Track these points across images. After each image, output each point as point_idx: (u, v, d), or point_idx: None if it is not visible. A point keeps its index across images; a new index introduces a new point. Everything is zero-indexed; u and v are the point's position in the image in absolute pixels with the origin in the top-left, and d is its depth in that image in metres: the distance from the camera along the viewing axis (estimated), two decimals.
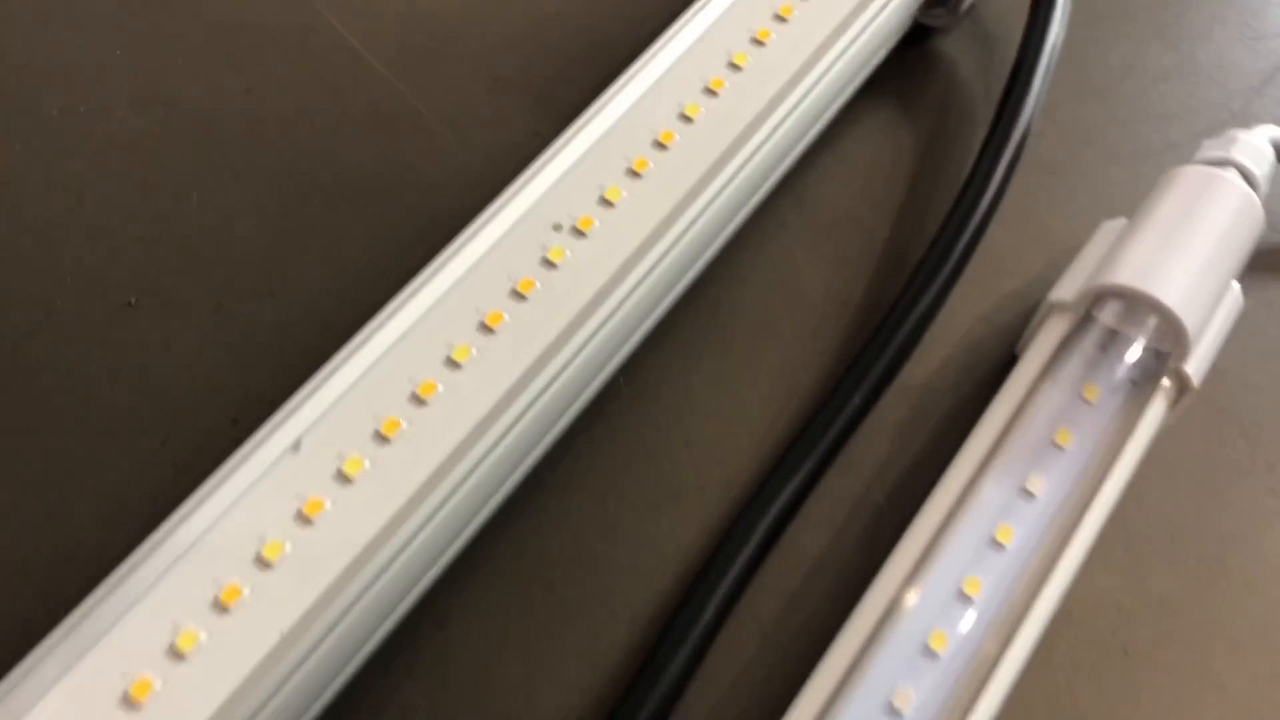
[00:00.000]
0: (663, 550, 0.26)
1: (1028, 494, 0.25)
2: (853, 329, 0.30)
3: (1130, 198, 0.32)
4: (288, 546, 0.22)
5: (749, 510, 0.26)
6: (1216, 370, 0.30)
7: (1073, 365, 0.27)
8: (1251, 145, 0.29)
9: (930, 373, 0.29)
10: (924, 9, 0.34)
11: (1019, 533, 0.24)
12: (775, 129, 0.29)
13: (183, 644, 0.21)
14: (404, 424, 0.24)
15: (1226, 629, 0.26)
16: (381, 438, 0.24)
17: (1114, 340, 0.27)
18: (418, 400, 0.24)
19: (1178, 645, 0.26)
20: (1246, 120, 0.35)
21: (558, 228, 0.27)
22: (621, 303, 0.26)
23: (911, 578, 0.24)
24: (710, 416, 0.28)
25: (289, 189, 0.30)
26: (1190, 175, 0.28)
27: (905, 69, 0.34)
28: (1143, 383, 0.26)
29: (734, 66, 0.30)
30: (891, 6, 0.31)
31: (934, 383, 0.29)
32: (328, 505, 0.23)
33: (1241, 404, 0.29)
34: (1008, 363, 0.29)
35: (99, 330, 0.28)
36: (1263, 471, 0.28)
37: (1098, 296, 0.27)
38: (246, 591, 0.22)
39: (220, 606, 0.21)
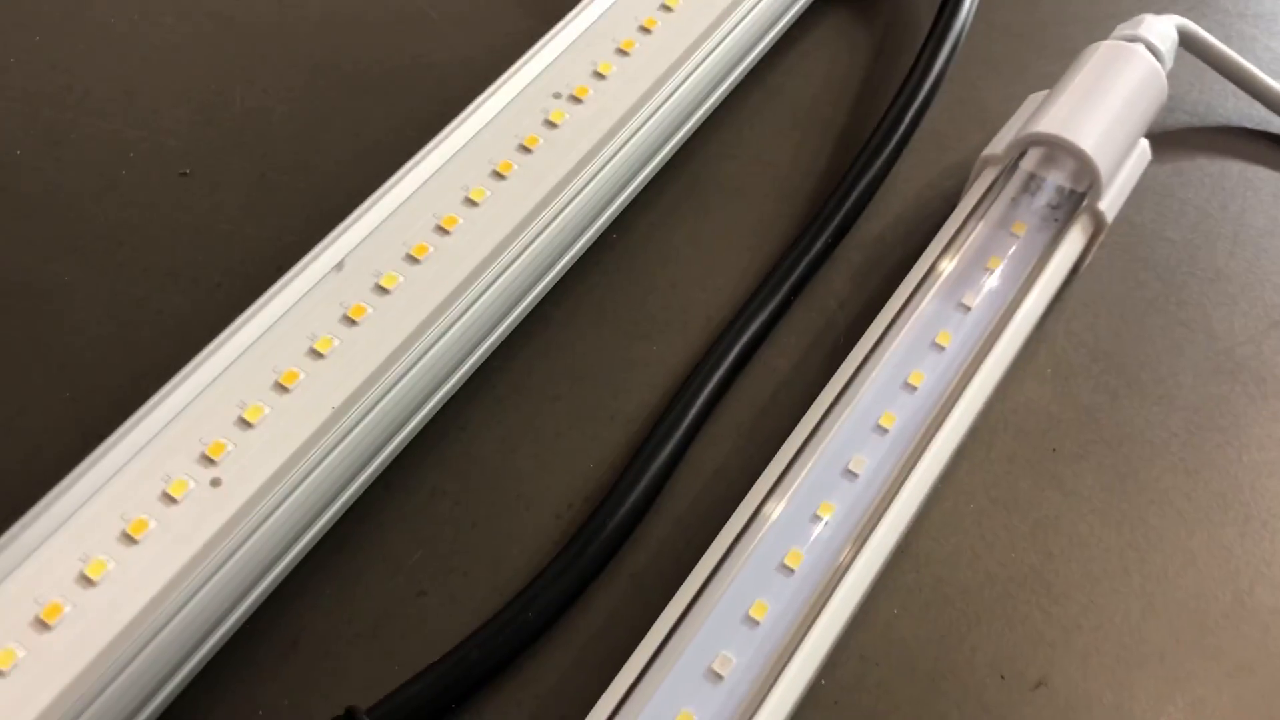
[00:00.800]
0: (653, 369, 0.30)
1: (963, 307, 0.29)
2: (814, 194, 0.34)
3: (1056, 83, 0.37)
4: (336, 342, 0.26)
5: (726, 334, 0.30)
6: (1134, 226, 0.34)
7: (1000, 205, 0.31)
8: (1158, 27, 0.33)
9: (883, 228, 0.33)
10: None
11: (956, 338, 0.29)
12: (744, 18, 0.34)
13: (249, 415, 0.25)
14: (430, 249, 0.28)
15: (1143, 433, 0.30)
16: (412, 259, 0.28)
17: (1038, 184, 0.31)
18: (442, 230, 0.28)
19: (1100, 445, 0.30)
20: None
21: (557, 95, 0.31)
22: (612, 157, 0.31)
23: (861, 373, 0.28)
24: (692, 263, 0.32)
25: (318, 80, 0.34)
26: (1105, 48, 0.32)
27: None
28: (1064, 219, 0.31)
29: None
30: None
31: (886, 235, 0.33)
32: (370, 311, 0.27)
33: (1156, 253, 0.34)
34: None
35: (159, 194, 0.32)
36: (1174, 306, 0.33)
37: (1024, 146, 0.31)
38: (302, 376, 0.26)
39: (280, 387, 0.25)
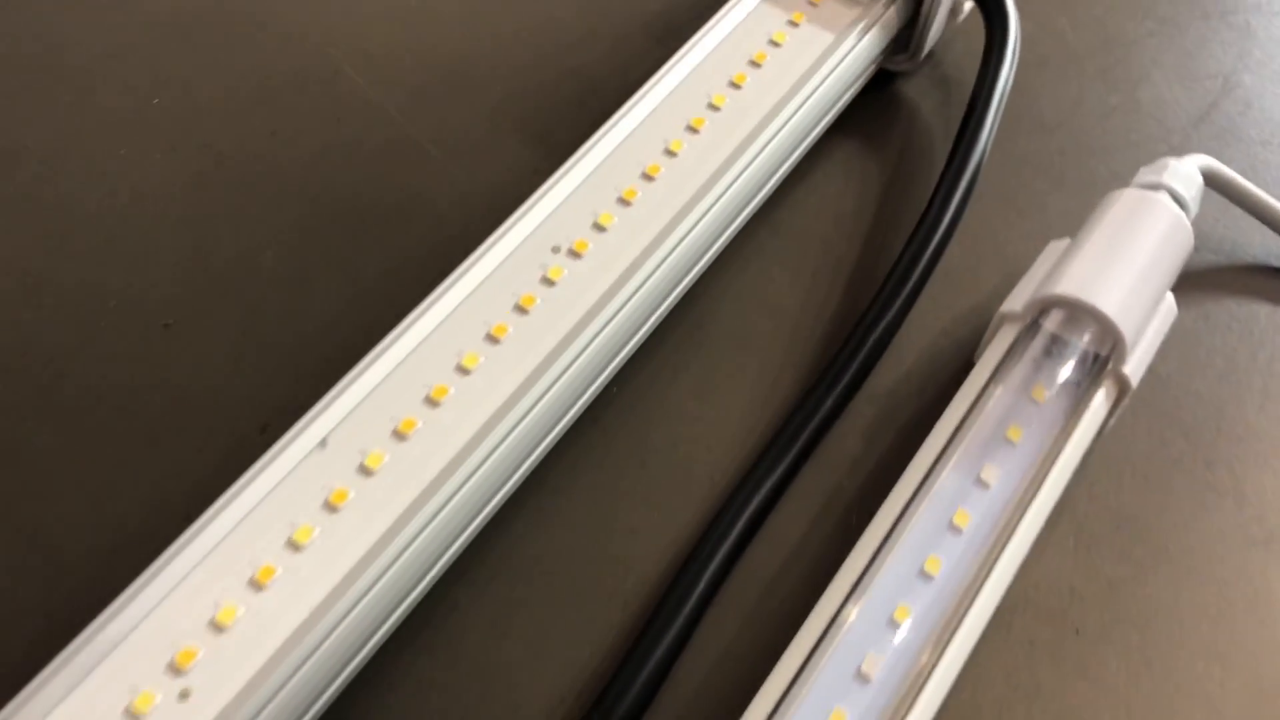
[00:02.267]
0: (654, 539, 0.29)
1: (982, 483, 0.27)
2: (825, 341, 0.33)
3: (1077, 221, 0.35)
4: (317, 530, 0.25)
5: (731, 503, 0.28)
6: (1159, 377, 0.33)
7: (1022, 369, 0.29)
8: (1181, 172, 0.32)
9: (896, 380, 0.32)
10: (887, 55, 0.37)
11: (975, 517, 0.27)
12: (750, 163, 0.32)
13: (222, 618, 0.23)
14: (420, 423, 0.26)
15: (1171, 610, 0.29)
16: (399, 435, 0.26)
17: (1059, 346, 0.30)
18: (431, 402, 0.27)
19: (1126, 624, 0.28)
20: (1184, 153, 0.38)
21: (556, 249, 0.30)
22: (613, 317, 0.29)
23: (877, 559, 0.26)
24: (696, 421, 0.31)
25: (310, 221, 0.33)
26: (1126, 198, 0.31)
27: (871, 109, 0.38)
28: (1086, 384, 0.29)
29: (713, 108, 0.33)
30: (856, 52, 0.35)
31: (899, 389, 0.32)
32: (352, 495, 0.25)
33: (1182, 408, 0.32)
34: (967, 370, 0.32)
35: (140, 348, 0.30)
36: (1201, 468, 0.31)
37: (1043, 307, 0.30)
38: (280, 571, 0.24)
39: (255, 584, 0.24)
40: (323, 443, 0.26)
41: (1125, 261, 0.29)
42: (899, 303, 0.32)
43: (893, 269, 0.32)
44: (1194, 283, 0.35)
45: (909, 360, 0.32)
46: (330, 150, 0.35)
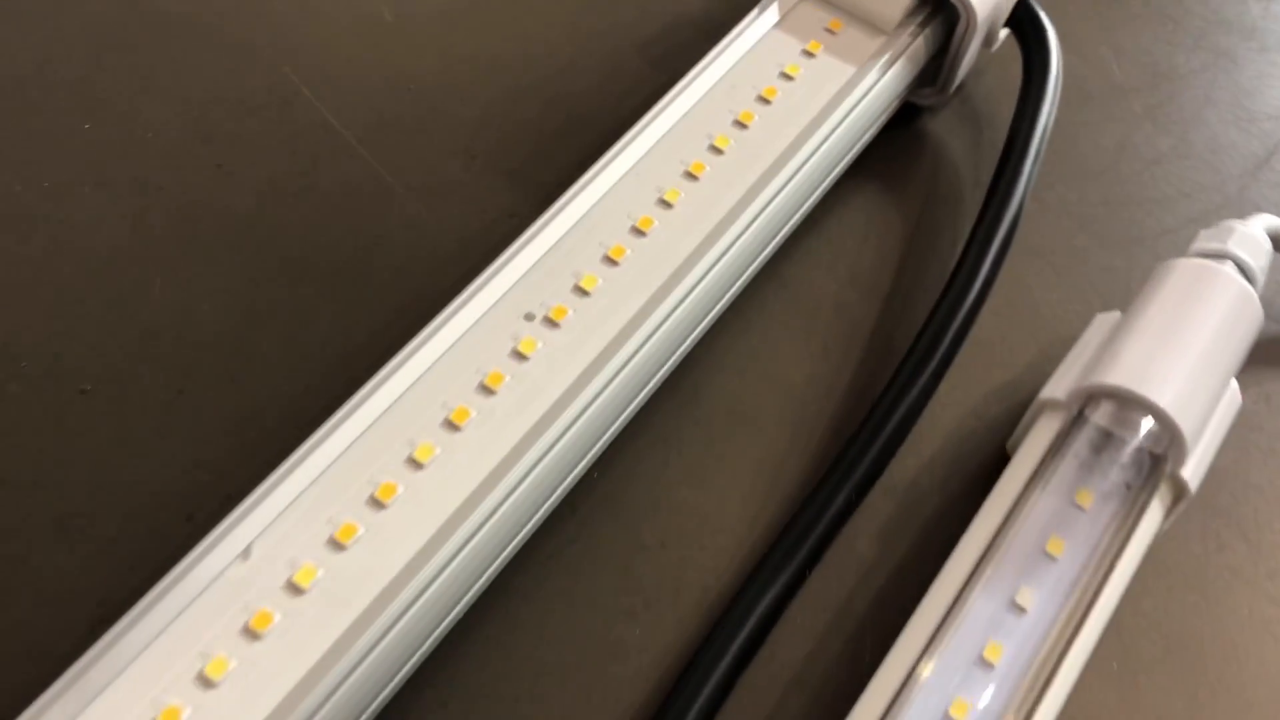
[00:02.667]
0: (637, 660, 0.25)
1: (1018, 608, 0.24)
2: (837, 421, 0.29)
3: (1124, 284, 0.32)
4: (233, 664, 0.21)
5: (725, 619, 0.25)
6: (1215, 469, 0.29)
7: (1065, 469, 0.25)
8: (1248, 236, 0.28)
9: (918, 469, 0.28)
10: (913, 88, 0.33)
11: (1009, 650, 0.23)
12: (759, 214, 0.28)
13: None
14: (361, 529, 0.23)
15: None
16: (336, 544, 0.22)
17: (1108, 442, 0.26)
18: (376, 504, 0.23)
19: None
20: (1242, 204, 0.34)
21: (529, 317, 0.26)
22: (595, 397, 0.25)
23: (897, 700, 0.22)
24: (687, 514, 0.27)
25: (255, 269, 0.29)
26: (1185, 269, 0.27)
27: (893, 149, 0.34)
28: (1138, 487, 0.25)
29: (715, 150, 0.29)
30: (879, 89, 0.31)
31: (921, 480, 0.28)
32: (277, 619, 0.21)
33: (1242, 505, 0.28)
34: (999, 459, 0.28)
35: (50, 417, 0.26)
36: (1264, 579, 0.27)
37: (1090, 396, 0.26)
38: (188, 712, 0.20)
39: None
40: (246, 552, 0.22)
41: (1185, 346, 0.25)
42: (924, 379, 0.28)
43: (917, 338, 0.28)
44: (1254, 358, 0.30)
45: (933, 446, 0.28)
46: (281, 186, 0.31)
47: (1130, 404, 0.25)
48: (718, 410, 0.28)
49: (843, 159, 0.31)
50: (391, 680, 0.22)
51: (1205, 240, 0.28)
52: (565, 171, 0.31)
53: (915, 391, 0.28)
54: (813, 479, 0.28)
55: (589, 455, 0.26)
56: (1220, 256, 0.28)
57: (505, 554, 0.25)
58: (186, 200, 0.30)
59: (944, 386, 0.29)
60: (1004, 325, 0.31)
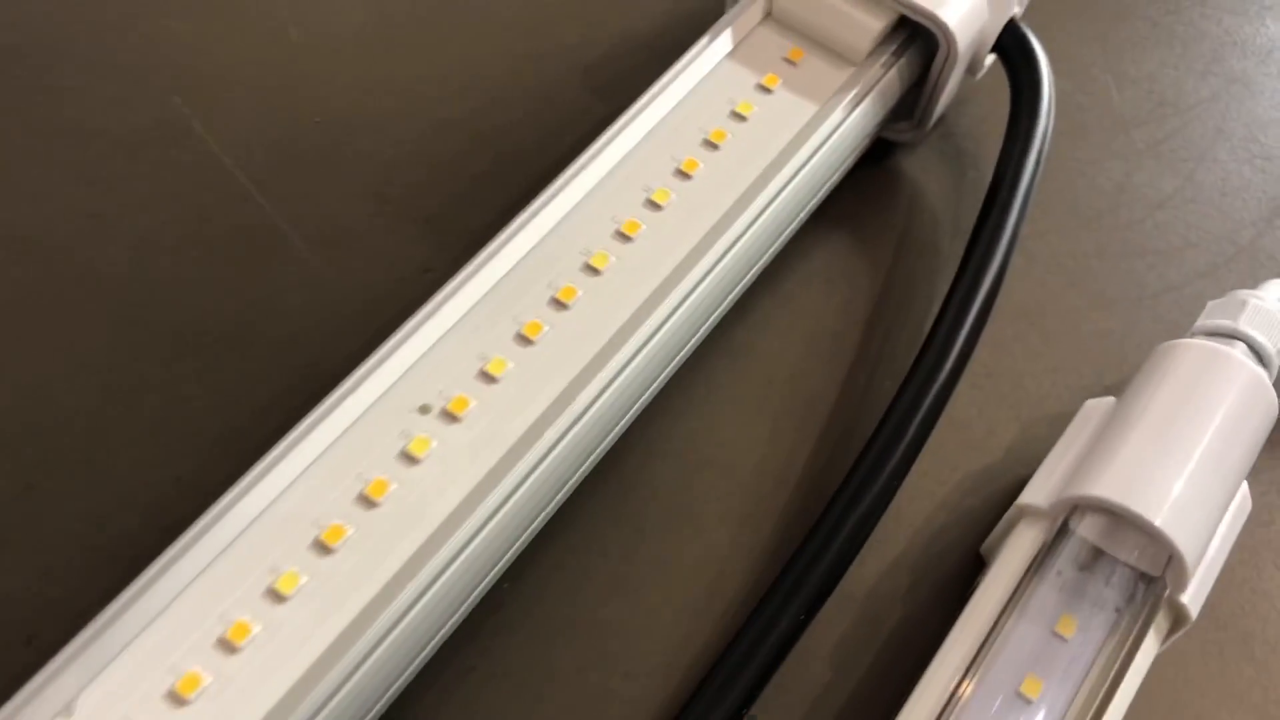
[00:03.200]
0: None
1: None
2: (789, 516, 0.25)
3: (1120, 352, 0.28)
4: None
5: None
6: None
7: (1045, 591, 0.22)
8: (1262, 311, 0.24)
9: (880, 575, 0.25)
10: (885, 124, 0.29)
11: None
12: (704, 276, 0.25)
13: None
14: (207, 680, 0.19)
15: None
16: (229, 646, 0.19)
17: (1096, 560, 0.22)
18: (228, 647, 0.19)
19: None
20: (1255, 255, 0.30)
21: (425, 410, 0.22)
22: (507, 498, 0.22)
23: None
24: (610, 633, 0.23)
25: (125, 340, 0.26)
26: (1188, 353, 0.23)
27: (864, 192, 0.30)
28: (1132, 612, 0.22)
29: (653, 205, 0.25)
30: (844, 130, 0.27)
31: (883, 588, 0.24)
32: None
33: (1249, 617, 0.25)
34: (973, 562, 0.25)
35: None
36: (1275, 707, 0.24)
37: (1075, 506, 0.22)
38: None
39: None
40: (68, 709, 0.19)
41: (1187, 449, 0.22)
42: (889, 469, 0.24)
43: (884, 419, 0.25)
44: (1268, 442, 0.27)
45: (898, 546, 0.25)
46: (160, 239, 0.27)
47: (1122, 518, 0.22)
48: (650, 505, 0.25)
49: (802, 209, 0.27)
50: None
51: (1211, 316, 0.24)
52: (490, 219, 0.27)
53: (879, 484, 0.24)
54: (760, 586, 0.24)
55: (500, 564, 0.23)
56: (1229, 337, 0.24)
57: (395, 687, 0.21)
58: (55, 257, 0.27)
59: (912, 474, 0.26)
60: (983, 400, 0.27)
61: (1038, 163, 0.28)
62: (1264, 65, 0.34)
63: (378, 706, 0.21)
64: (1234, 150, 0.32)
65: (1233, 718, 0.24)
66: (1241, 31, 0.34)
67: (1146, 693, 0.24)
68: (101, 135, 0.28)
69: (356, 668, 0.20)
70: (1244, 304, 0.24)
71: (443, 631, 0.22)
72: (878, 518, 0.24)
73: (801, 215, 0.27)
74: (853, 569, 0.24)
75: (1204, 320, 0.25)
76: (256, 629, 0.20)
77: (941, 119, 0.31)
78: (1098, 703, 0.21)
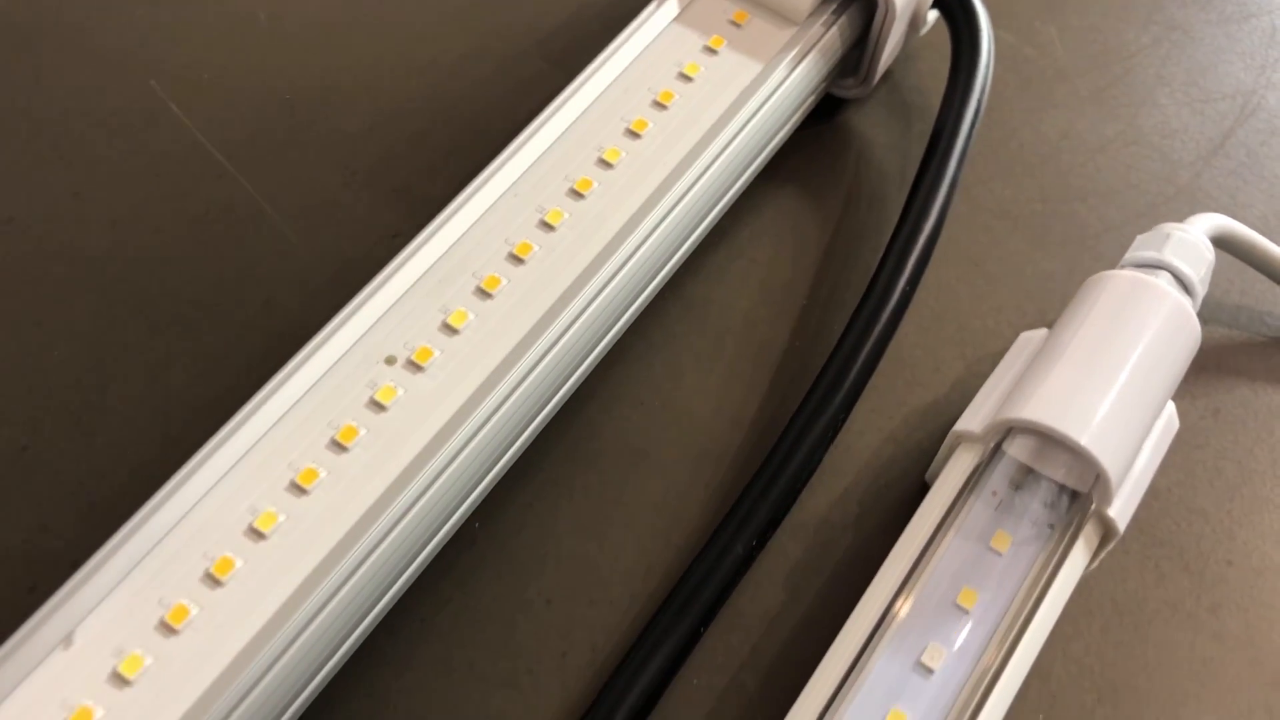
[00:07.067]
0: None
1: (924, 669, 0.22)
2: (745, 456, 0.27)
3: (1062, 291, 0.29)
4: None
5: (611, 685, 0.23)
6: (1155, 492, 0.27)
7: (980, 509, 0.23)
8: (1185, 243, 0.25)
9: (830, 505, 0.26)
10: (831, 80, 0.31)
11: (913, 717, 0.21)
12: (655, 227, 0.26)
13: None
14: (193, 611, 0.21)
15: None
16: (168, 627, 0.20)
17: (1027, 479, 0.24)
18: (213, 581, 0.21)
19: None
20: (1194, 194, 0.32)
21: (391, 360, 0.24)
22: (471, 437, 0.23)
23: None
24: (577, 566, 0.25)
25: (111, 308, 0.27)
26: (1115, 283, 0.25)
27: (813, 147, 0.31)
28: (1061, 529, 0.23)
29: (605, 163, 0.27)
30: (788, 86, 0.28)
31: (833, 518, 0.26)
32: (99, 714, 0.20)
33: (1183, 533, 0.26)
34: (919, 491, 0.26)
35: None
36: (1205, 613, 0.25)
37: (1007, 430, 0.24)
38: None
39: None
40: (68, 640, 0.20)
41: (1112, 373, 0.23)
42: (835, 404, 0.25)
43: (830, 358, 0.26)
44: (1200, 366, 0.28)
45: (847, 478, 0.26)
46: (142, 215, 0.28)
47: (1050, 439, 0.23)
48: (613, 448, 0.26)
49: (750, 164, 0.29)
50: None
51: (1139, 248, 0.26)
52: (455, 186, 0.29)
53: (825, 418, 0.25)
54: (718, 520, 0.25)
55: (466, 503, 0.24)
56: (1155, 267, 0.25)
57: (370, 617, 0.23)
58: (37, 234, 0.28)
59: (861, 410, 0.27)
60: (929, 341, 0.28)
61: (977, 111, 0.29)
62: (1204, 12, 0.35)
63: (359, 630, 0.22)
64: (1174, 95, 0.33)
65: (1169, 625, 0.25)
66: None
67: (1086, 606, 0.25)
68: (81, 118, 0.30)
69: (335, 592, 0.21)
70: (1168, 236, 0.26)
71: (419, 560, 0.23)
72: (824, 450, 0.25)
73: (750, 170, 0.29)
74: (804, 500, 0.26)
75: (1132, 253, 0.26)
76: (239, 564, 0.21)
77: (888, 75, 0.32)
78: (1028, 609, 0.22)
